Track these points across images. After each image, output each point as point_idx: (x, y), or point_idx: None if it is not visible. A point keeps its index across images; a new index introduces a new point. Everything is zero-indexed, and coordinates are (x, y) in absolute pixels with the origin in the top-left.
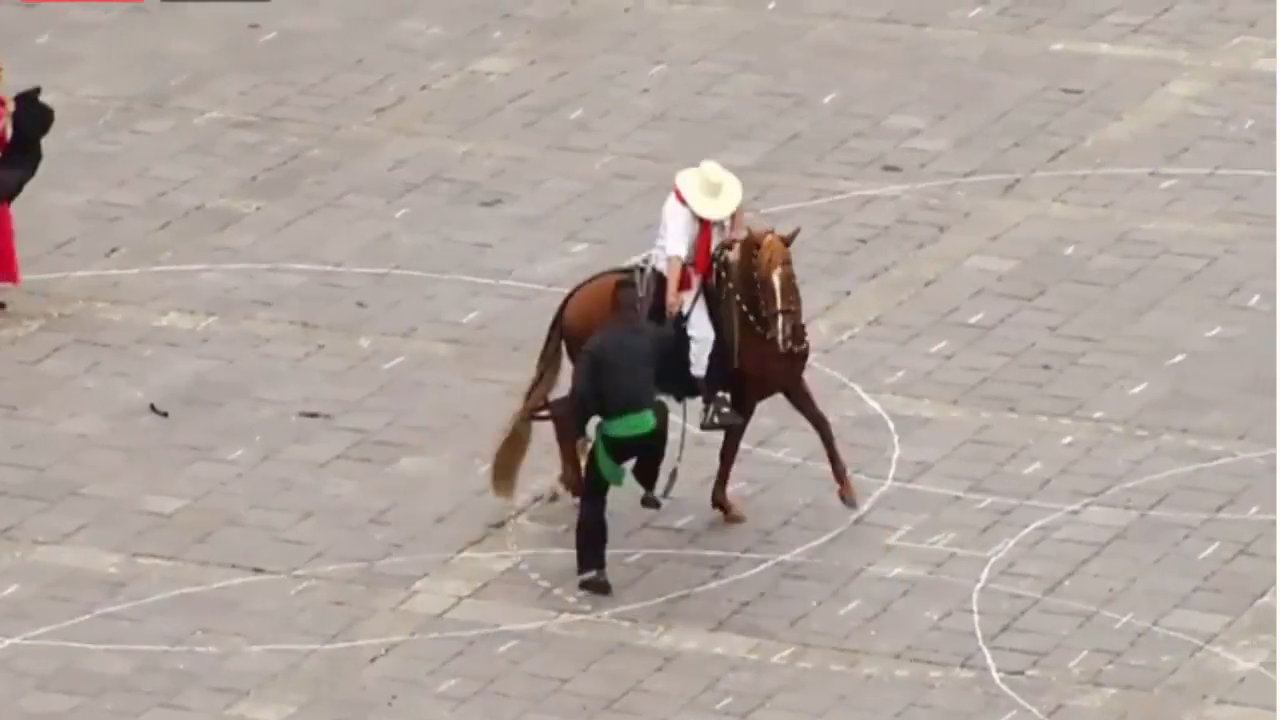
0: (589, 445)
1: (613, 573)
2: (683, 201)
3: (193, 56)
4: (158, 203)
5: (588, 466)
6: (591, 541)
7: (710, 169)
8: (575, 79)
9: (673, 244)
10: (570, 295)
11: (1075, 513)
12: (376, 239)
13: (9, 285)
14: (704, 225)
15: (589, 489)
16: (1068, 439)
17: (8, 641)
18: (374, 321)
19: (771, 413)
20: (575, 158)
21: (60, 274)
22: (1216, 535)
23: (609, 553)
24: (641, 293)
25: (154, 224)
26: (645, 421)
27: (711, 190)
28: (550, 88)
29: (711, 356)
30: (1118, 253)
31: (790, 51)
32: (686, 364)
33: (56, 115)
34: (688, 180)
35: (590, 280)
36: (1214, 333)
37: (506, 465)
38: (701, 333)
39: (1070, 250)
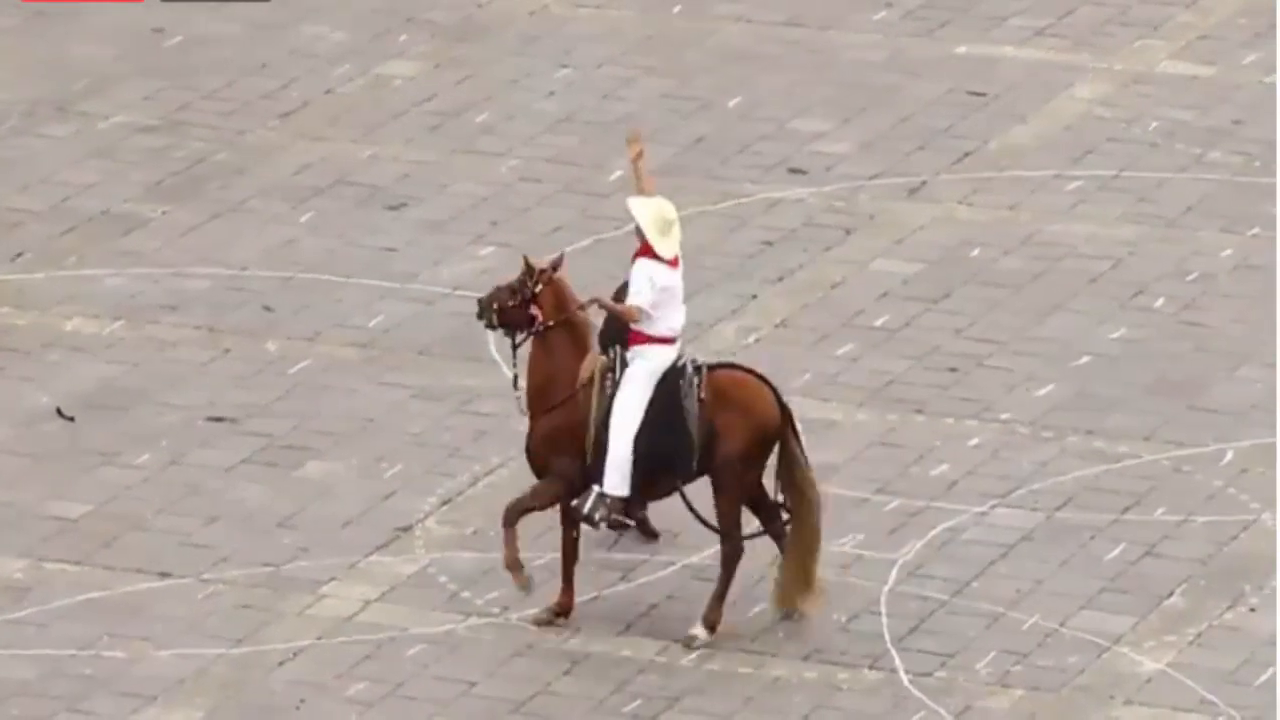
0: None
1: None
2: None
3: (96, 61)
4: (62, 208)
5: None
6: None
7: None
8: (480, 83)
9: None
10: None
11: (983, 514)
12: (282, 243)
13: None
14: None
15: None
16: (974, 441)
17: None
18: (280, 326)
19: None
20: (481, 161)
21: None
22: (1122, 537)
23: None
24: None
25: (58, 229)
26: None
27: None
28: (455, 91)
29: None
30: (1023, 255)
31: (694, 55)
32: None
33: None
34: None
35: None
36: (1119, 334)
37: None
38: None
39: (976, 253)
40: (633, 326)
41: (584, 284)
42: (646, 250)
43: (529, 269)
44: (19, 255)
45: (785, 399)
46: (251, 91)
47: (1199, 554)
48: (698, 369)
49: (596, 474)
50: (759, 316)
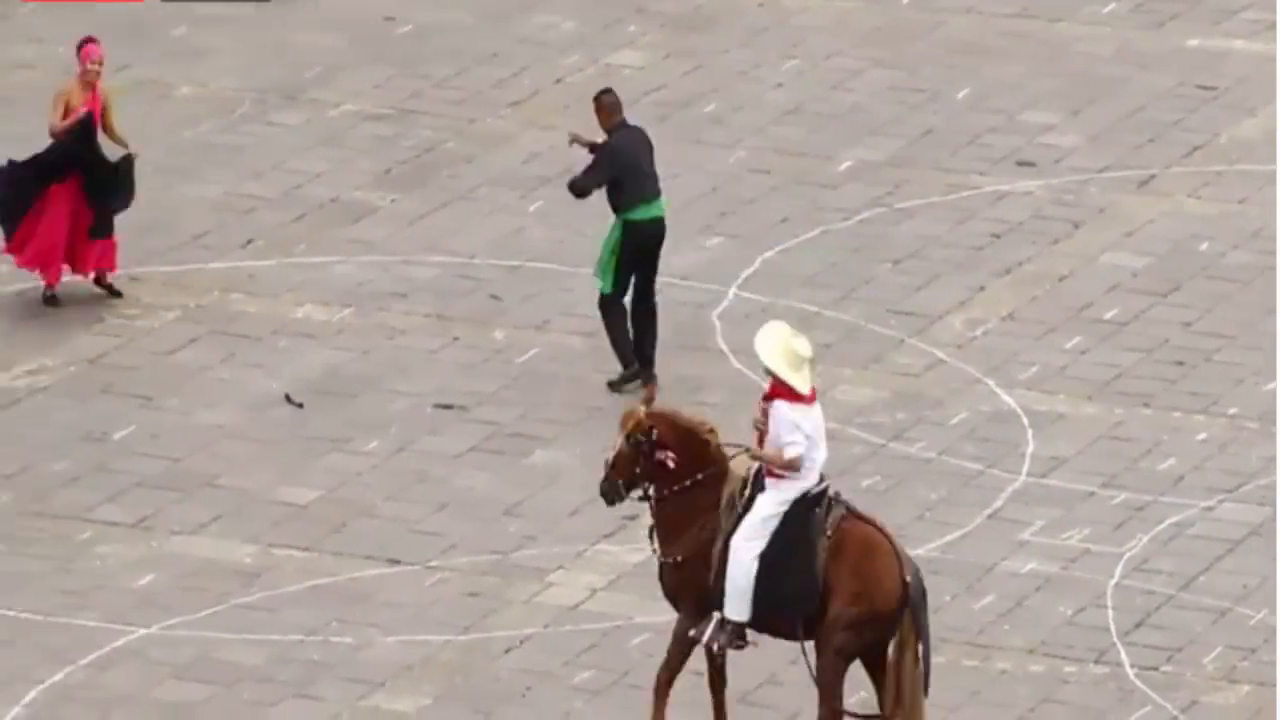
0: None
1: None
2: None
3: (327, 49)
4: (292, 195)
5: None
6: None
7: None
8: (709, 73)
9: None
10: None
11: (1209, 509)
12: (510, 232)
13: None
14: None
15: None
16: (1202, 435)
17: (143, 631)
18: (508, 314)
19: (905, 407)
20: (709, 151)
21: (196, 265)
22: None
23: None
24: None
25: (289, 216)
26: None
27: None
28: (684, 82)
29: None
30: (1252, 249)
31: (922, 47)
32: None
33: (184, 112)
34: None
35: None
36: None
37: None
38: None
39: (1204, 246)
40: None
41: (808, 274)
42: (780, 392)
43: (638, 425)
44: (250, 242)
45: (917, 577)
46: (482, 80)
47: None
48: (836, 503)
49: (719, 598)
50: (986, 308)
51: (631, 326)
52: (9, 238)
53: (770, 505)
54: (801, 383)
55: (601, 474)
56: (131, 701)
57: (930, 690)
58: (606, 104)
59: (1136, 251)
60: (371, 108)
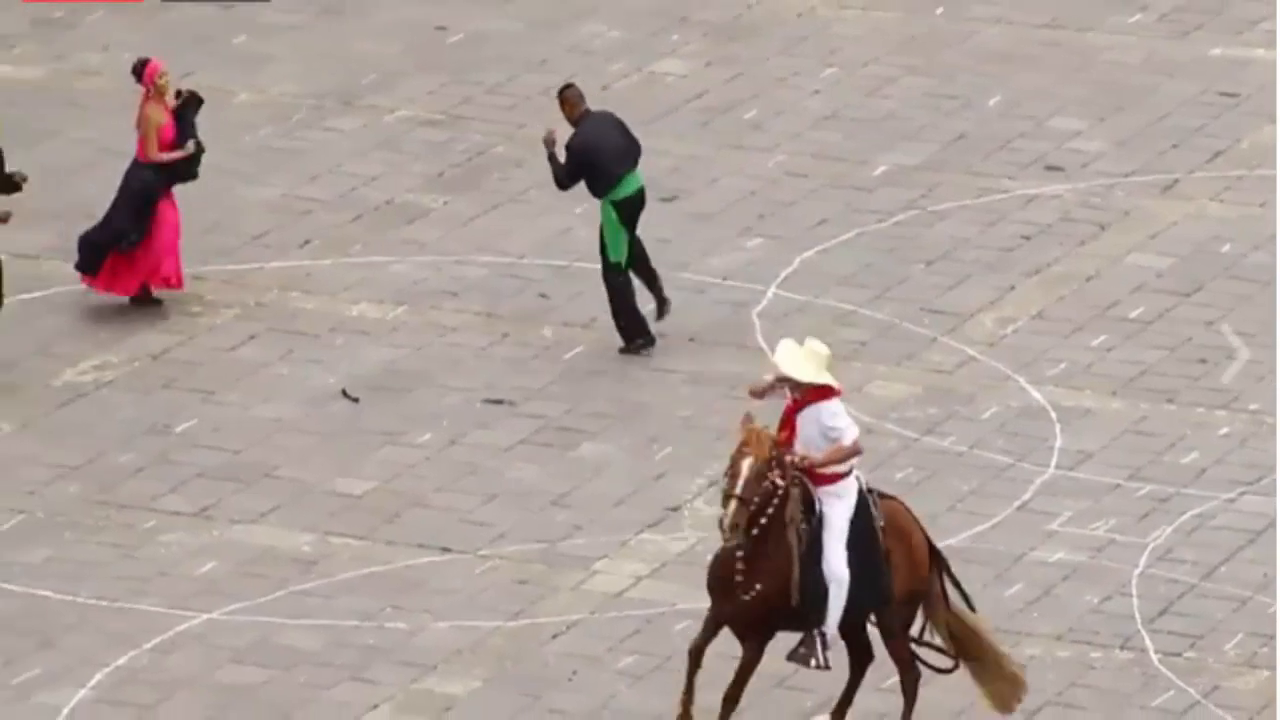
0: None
1: None
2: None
3: (382, 56)
4: (349, 197)
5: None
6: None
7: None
8: (749, 80)
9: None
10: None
11: (1231, 501)
12: (558, 233)
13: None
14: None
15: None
16: (1224, 430)
17: (204, 616)
18: (555, 312)
19: (938, 402)
20: (749, 156)
21: (255, 265)
22: None
23: None
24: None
25: (345, 217)
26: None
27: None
28: (725, 89)
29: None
30: (1271, 251)
31: (955, 55)
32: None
33: (244, 118)
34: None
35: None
36: None
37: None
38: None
39: (1226, 248)
40: (821, 471)
41: (845, 274)
42: (810, 397)
43: (774, 463)
44: (307, 242)
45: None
46: (530, 87)
47: None
48: (870, 490)
49: (810, 614)
50: (1016, 308)
51: (642, 279)
52: (92, 273)
53: (844, 512)
54: (832, 379)
55: (717, 501)
56: (193, 684)
57: (959, 663)
58: (570, 98)
59: (1160, 253)
60: (424, 113)
